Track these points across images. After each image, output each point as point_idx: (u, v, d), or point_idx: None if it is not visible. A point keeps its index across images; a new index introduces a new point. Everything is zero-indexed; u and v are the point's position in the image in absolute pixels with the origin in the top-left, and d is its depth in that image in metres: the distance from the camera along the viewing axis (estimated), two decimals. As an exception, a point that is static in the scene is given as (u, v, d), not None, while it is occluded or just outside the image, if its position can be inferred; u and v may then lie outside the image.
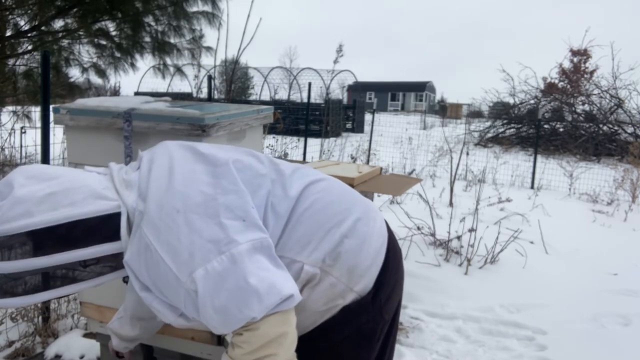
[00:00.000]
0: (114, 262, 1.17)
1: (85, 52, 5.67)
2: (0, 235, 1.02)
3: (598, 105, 14.44)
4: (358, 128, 18.61)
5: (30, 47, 5.34)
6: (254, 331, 1.03)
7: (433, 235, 4.49)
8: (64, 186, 1.09)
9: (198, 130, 1.59)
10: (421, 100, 48.22)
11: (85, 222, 1.08)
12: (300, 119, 15.24)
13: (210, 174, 1.15)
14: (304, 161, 5.41)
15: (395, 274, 1.32)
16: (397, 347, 2.83)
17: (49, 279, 1.11)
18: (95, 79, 6.02)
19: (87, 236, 1.09)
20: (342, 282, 1.20)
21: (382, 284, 1.25)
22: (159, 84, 16.30)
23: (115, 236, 1.12)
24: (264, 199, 1.18)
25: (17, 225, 1.02)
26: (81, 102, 1.79)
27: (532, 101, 15.99)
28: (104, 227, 1.11)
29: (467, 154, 7.74)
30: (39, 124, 2.79)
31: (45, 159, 2.78)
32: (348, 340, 1.24)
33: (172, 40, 5.68)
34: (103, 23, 5.23)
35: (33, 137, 3.37)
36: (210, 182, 1.13)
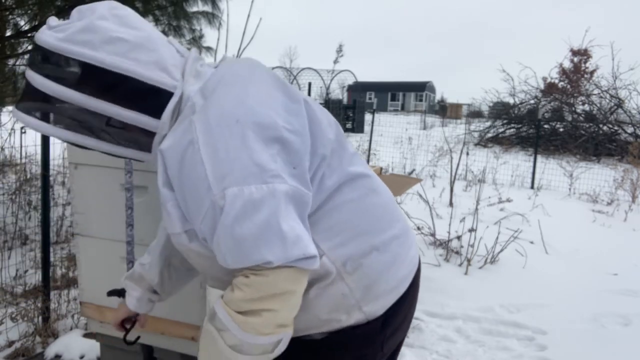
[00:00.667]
0: (139, 140, 1.10)
1: (85, 52, 5.68)
2: (58, 51, 1.00)
3: (598, 105, 14.45)
4: (358, 128, 18.62)
5: (30, 47, 5.34)
6: (263, 277, 0.91)
7: (433, 235, 4.49)
8: (138, 41, 1.04)
9: (198, 130, 1.59)
10: (421, 100, 48.23)
11: (137, 83, 1.03)
12: (300, 119, 15.24)
13: (285, 106, 1.05)
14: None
15: (409, 309, 1.21)
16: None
17: (73, 118, 1.07)
18: (95, 79, 6.02)
19: (131, 98, 1.04)
20: (354, 296, 1.08)
21: (393, 314, 1.14)
22: (159, 84, 16.29)
23: (156, 113, 1.05)
24: (317, 162, 1.06)
25: (77, 51, 1.00)
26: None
27: (532, 101, 16.00)
28: (151, 99, 1.05)
29: (467, 154, 7.74)
30: (39, 124, 2.78)
31: (45, 159, 2.78)
32: None
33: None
34: (103, 23, 5.23)
35: (33, 137, 3.37)
36: (281, 114, 1.02)
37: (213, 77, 1.08)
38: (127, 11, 1.09)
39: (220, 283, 1.10)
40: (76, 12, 1.05)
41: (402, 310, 1.17)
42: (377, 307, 1.11)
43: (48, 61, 1.02)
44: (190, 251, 1.06)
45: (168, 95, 1.05)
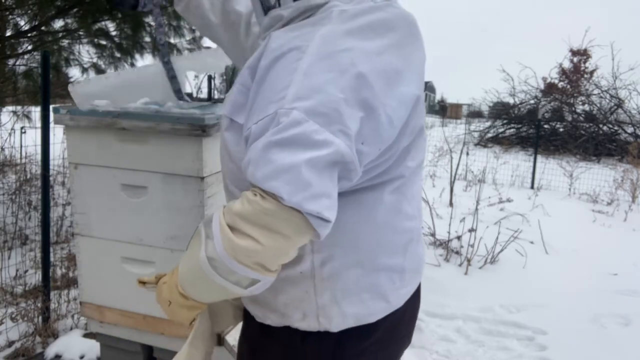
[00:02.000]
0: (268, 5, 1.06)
1: (85, 52, 5.67)
2: None
3: (598, 105, 14.45)
4: (358, 128, 18.58)
5: (30, 47, 5.34)
6: (268, 204, 0.83)
7: (433, 235, 4.49)
8: None
9: (198, 130, 1.59)
10: (421, 100, 48.13)
11: None
12: (300, 119, 15.22)
13: (404, 98, 0.96)
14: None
15: (375, 348, 1.07)
16: (397, 347, 2.83)
17: None
18: (95, 79, 6.02)
19: None
20: (316, 301, 1.01)
21: (348, 340, 1.03)
22: (159, 84, 16.28)
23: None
24: (381, 158, 0.98)
25: None
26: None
27: (532, 101, 16.00)
28: None
29: (467, 154, 7.74)
30: (39, 124, 2.79)
31: (45, 159, 2.78)
32: None
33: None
34: (103, 23, 5.22)
35: (33, 137, 3.37)
36: (394, 100, 0.93)
37: (366, 10, 0.96)
38: None
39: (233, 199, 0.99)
40: None
41: (360, 344, 1.04)
42: (334, 322, 1.01)
43: None
44: (223, 141, 1.02)
45: None
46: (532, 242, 4.73)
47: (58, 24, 5.20)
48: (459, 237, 4.34)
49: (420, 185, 1.12)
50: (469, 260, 4.02)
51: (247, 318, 1.11)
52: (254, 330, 1.09)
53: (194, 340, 1.15)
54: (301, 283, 1.00)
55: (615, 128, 13.57)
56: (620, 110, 13.94)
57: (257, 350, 1.09)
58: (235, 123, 0.98)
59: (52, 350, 2.60)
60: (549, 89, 16.04)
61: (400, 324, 1.12)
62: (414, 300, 1.16)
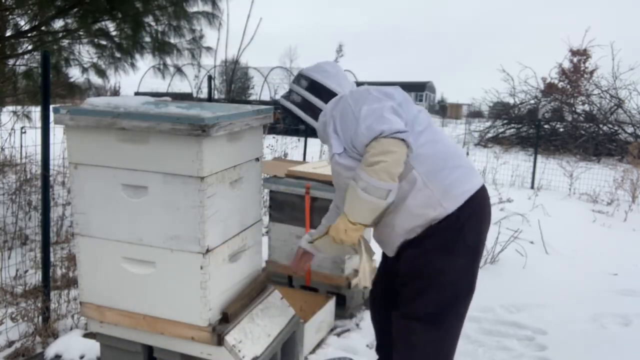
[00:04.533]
0: (315, 114, 1.98)
1: (85, 52, 5.66)
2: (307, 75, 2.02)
3: (598, 105, 14.43)
4: (358, 128, 18.57)
5: (30, 47, 5.33)
6: (379, 142, 1.66)
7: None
8: (332, 73, 2.01)
9: (198, 130, 1.59)
10: (421, 100, 48.18)
11: (326, 89, 1.97)
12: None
13: (397, 100, 1.85)
14: (304, 161, 5.41)
15: (480, 212, 1.83)
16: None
17: (303, 104, 2.01)
18: (95, 79, 6.00)
19: (321, 94, 1.97)
20: (435, 197, 1.74)
21: (463, 210, 1.76)
22: (159, 84, 16.25)
23: (329, 98, 1.95)
24: (410, 120, 1.82)
25: (307, 73, 2.01)
26: (90, 102, 1.79)
27: (532, 101, 15.98)
28: (327, 95, 1.96)
29: (467, 154, 7.74)
30: (39, 124, 2.79)
31: (45, 159, 2.78)
32: (437, 249, 1.77)
33: (172, 41, 5.66)
34: (103, 23, 5.21)
35: (33, 137, 3.37)
36: (394, 101, 1.82)
37: (357, 91, 1.89)
38: (335, 68, 2.07)
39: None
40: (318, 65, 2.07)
41: (471, 209, 1.78)
42: (452, 204, 1.75)
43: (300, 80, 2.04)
44: (341, 167, 1.83)
45: (335, 94, 1.95)
46: (532, 242, 4.73)
47: (58, 24, 5.20)
48: (459, 237, 4.33)
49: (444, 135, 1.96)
50: (469, 260, 4.01)
51: (407, 249, 1.85)
52: (415, 247, 1.81)
53: (367, 249, 1.90)
54: (422, 192, 1.76)
55: (615, 128, 13.56)
56: (620, 110, 13.93)
57: (426, 249, 1.79)
58: (344, 153, 1.82)
59: (52, 350, 2.60)
60: (549, 89, 16.01)
61: (484, 199, 1.87)
62: (485, 190, 1.89)
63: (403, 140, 1.67)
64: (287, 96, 2.05)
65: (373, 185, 1.66)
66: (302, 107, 2.01)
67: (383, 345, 2.17)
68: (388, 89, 1.86)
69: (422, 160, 1.77)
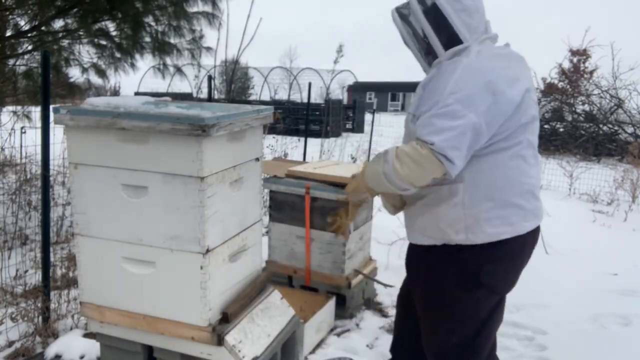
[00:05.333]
0: (429, 54, 1.77)
1: (85, 52, 5.66)
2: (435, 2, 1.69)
3: (598, 105, 14.42)
4: (358, 128, 18.59)
5: (30, 47, 5.33)
6: (421, 148, 1.57)
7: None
8: (468, 8, 1.70)
9: (198, 130, 1.59)
10: (421, 100, 48.09)
11: (450, 28, 1.68)
12: (300, 119, 15.23)
13: (515, 88, 1.66)
14: (304, 161, 5.41)
15: (508, 261, 1.74)
16: (397, 347, 2.83)
17: (413, 29, 1.79)
18: (95, 79, 6.00)
19: (443, 33, 1.70)
20: (465, 221, 1.66)
21: (487, 250, 1.67)
22: (159, 84, 16.25)
23: (446, 47, 1.70)
24: (506, 128, 1.65)
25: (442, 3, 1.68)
26: (90, 102, 1.79)
27: (532, 101, 15.95)
28: (450, 39, 1.70)
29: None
30: (39, 124, 2.79)
31: (45, 159, 2.78)
32: (452, 278, 1.72)
33: (172, 41, 5.66)
34: (103, 23, 5.21)
35: (33, 137, 3.37)
36: (511, 90, 1.63)
37: (488, 49, 1.69)
38: None
39: None
40: None
41: (497, 254, 1.68)
42: (477, 238, 1.66)
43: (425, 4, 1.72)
44: (409, 127, 1.76)
45: (459, 42, 1.69)
46: (532, 242, 4.72)
47: (58, 24, 5.20)
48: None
49: (535, 155, 1.75)
50: (469, 260, 4.01)
51: (415, 251, 1.86)
52: (420, 253, 1.81)
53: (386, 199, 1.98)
54: (456, 209, 1.66)
55: (615, 128, 13.55)
56: (620, 110, 13.91)
57: (431, 265, 1.77)
58: (415, 117, 1.70)
59: (52, 350, 2.60)
60: (549, 89, 16.01)
61: (523, 247, 1.75)
62: (534, 235, 1.77)
63: (444, 167, 1.55)
64: (402, 10, 1.79)
65: (393, 178, 1.63)
66: (414, 33, 1.76)
67: (399, 344, 2.13)
68: (509, 79, 1.61)
69: (473, 182, 1.65)
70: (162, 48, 5.60)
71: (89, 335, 2.69)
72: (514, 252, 1.73)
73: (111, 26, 5.34)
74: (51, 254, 3.00)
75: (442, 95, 1.57)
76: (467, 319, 1.76)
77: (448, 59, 1.69)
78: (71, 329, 2.83)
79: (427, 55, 1.78)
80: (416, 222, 1.80)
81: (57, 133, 2.79)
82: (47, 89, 2.71)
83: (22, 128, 5.01)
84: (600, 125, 13.64)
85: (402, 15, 1.79)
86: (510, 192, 1.66)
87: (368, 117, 18.07)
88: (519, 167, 1.68)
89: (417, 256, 1.86)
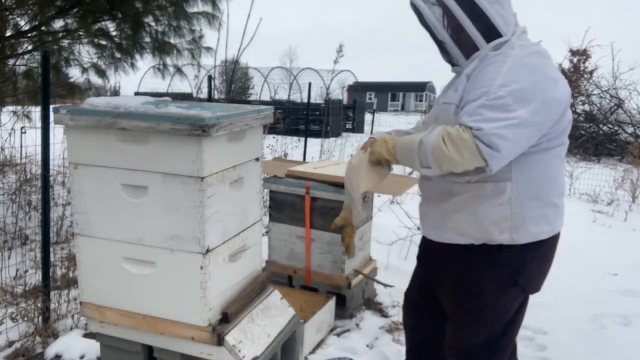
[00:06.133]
0: (468, 48, 1.70)
1: (85, 52, 5.66)
2: None
3: (598, 105, 14.42)
4: (358, 128, 18.60)
5: (30, 47, 5.33)
6: (465, 133, 1.48)
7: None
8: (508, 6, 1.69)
9: (198, 130, 1.59)
10: (421, 101, 48.19)
11: (488, 20, 1.64)
12: (300, 119, 15.24)
13: (561, 92, 1.62)
14: (304, 161, 5.41)
15: (542, 257, 1.76)
16: (397, 347, 2.83)
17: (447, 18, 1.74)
18: (95, 79, 6.01)
19: (481, 24, 1.65)
20: (511, 222, 1.62)
21: (529, 248, 1.67)
22: (159, 84, 16.28)
23: (487, 40, 1.65)
24: (551, 132, 1.63)
25: None
26: (90, 102, 1.79)
27: (532, 101, 15.94)
28: (489, 32, 1.65)
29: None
30: (39, 124, 2.79)
31: (45, 159, 2.78)
32: (486, 276, 1.69)
33: (172, 41, 5.66)
34: (103, 23, 5.22)
35: (33, 137, 3.37)
36: (559, 91, 1.60)
37: (530, 45, 1.66)
38: None
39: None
40: None
41: (536, 254, 1.70)
42: (521, 237, 1.63)
43: None
44: (450, 116, 1.64)
45: (499, 35, 1.65)
46: (532, 242, 4.72)
47: (58, 24, 5.20)
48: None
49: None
50: (469, 260, 4.01)
51: (444, 251, 1.76)
52: (451, 253, 1.73)
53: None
54: (502, 208, 1.62)
55: (615, 128, 13.55)
56: (620, 110, 13.91)
57: (466, 265, 1.71)
58: (459, 108, 1.62)
59: (52, 350, 2.60)
60: (549, 89, 16.00)
61: (555, 247, 1.80)
62: (558, 237, 1.80)
63: (483, 158, 1.47)
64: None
65: (426, 151, 1.54)
66: (453, 25, 1.70)
67: (415, 348, 2.08)
68: (554, 82, 1.58)
69: (522, 180, 1.60)
70: (162, 48, 5.60)
71: (89, 335, 2.69)
72: (548, 252, 1.75)
73: (111, 26, 5.35)
74: (51, 254, 3.00)
75: (491, 86, 1.51)
76: (497, 319, 1.75)
77: (491, 50, 1.65)
78: (71, 329, 2.83)
79: (460, 45, 1.72)
80: (448, 220, 1.71)
81: (57, 133, 2.79)
82: (47, 89, 2.71)
83: (22, 128, 5.01)
84: (600, 125, 13.64)
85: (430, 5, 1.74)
86: (553, 191, 1.68)
87: (368, 117, 18.10)
88: (559, 167, 1.70)
89: (447, 256, 1.77)
